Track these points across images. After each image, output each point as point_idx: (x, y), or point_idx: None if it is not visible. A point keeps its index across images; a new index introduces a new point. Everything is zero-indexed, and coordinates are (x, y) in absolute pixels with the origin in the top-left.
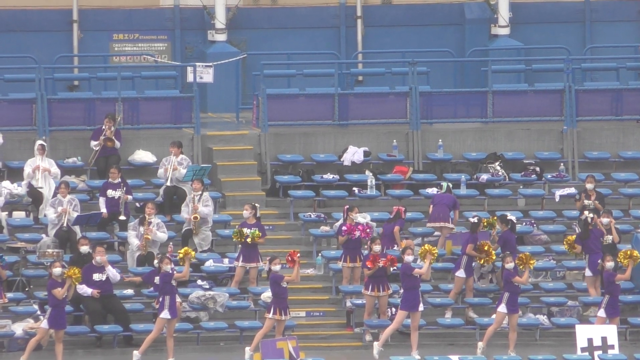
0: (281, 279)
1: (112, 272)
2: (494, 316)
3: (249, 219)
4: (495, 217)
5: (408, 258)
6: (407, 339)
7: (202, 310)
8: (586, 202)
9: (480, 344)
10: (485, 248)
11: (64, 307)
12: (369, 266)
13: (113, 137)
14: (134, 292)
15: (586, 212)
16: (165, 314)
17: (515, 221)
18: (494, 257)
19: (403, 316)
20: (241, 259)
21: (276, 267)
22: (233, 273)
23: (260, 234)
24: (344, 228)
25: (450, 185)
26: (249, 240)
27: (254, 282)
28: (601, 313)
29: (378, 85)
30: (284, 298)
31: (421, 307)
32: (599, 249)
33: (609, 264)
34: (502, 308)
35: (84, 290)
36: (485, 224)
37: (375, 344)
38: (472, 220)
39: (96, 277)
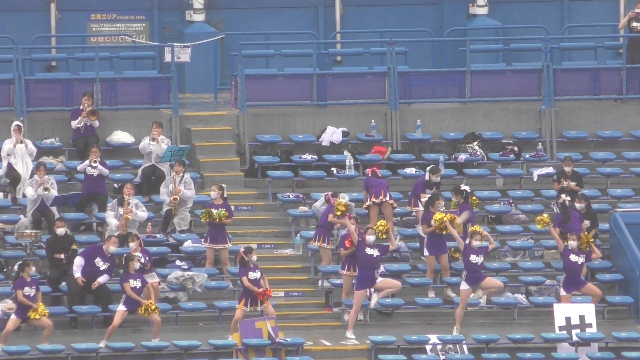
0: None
1: (104, 278)
2: (472, 295)
3: (216, 200)
4: (474, 197)
5: (369, 238)
6: (386, 318)
7: (181, 291)
8: (565, 183)
9: (455, 328)
10: (437, 217)
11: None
12: (347, 246)
13: (96, 110)
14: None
15: (563, 195)
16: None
17: (469, 191)
18: (443, 220)
19: (360, 296)
20: (209, 239)
21: (253, 258)
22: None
23: (227, 214)
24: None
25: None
26: (216, 220)
27: (227, 263)
28: (562, 291)
29: (356, 65)
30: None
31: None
32: (580, 229)
33: (572, 243)
34: (463, 285)
35: (75, 271)
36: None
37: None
38: (425, 198)
39: (99, 263)
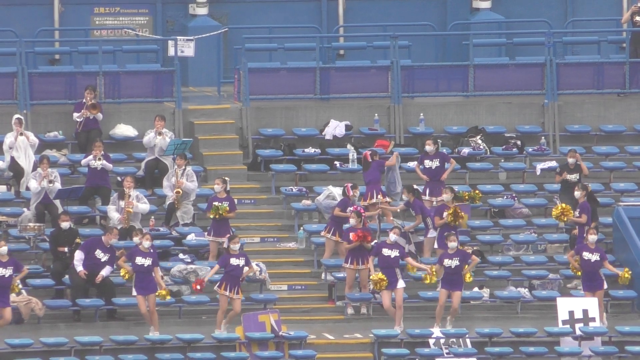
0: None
1: (107, 271)
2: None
3: (219, 193)
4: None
5: (391, 236)
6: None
7: (184, 284)
8: (568, 176)
9: (435, 324)
10: (454, 211)
11: (8, 288)
12: (353, 239)
13: (97, 104)
14: (115, 266)
15: (577, 193)
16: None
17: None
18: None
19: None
20: (212, 233)
21: (235, 246)
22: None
23: (229, 208)
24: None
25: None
26: (216, 215)
27: None
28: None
29: (359, 59)
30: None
31: (401, 284)
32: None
33: (591, 237)
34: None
35: (76, 265)
36: (466, 197)
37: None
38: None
39: (100, 255)
